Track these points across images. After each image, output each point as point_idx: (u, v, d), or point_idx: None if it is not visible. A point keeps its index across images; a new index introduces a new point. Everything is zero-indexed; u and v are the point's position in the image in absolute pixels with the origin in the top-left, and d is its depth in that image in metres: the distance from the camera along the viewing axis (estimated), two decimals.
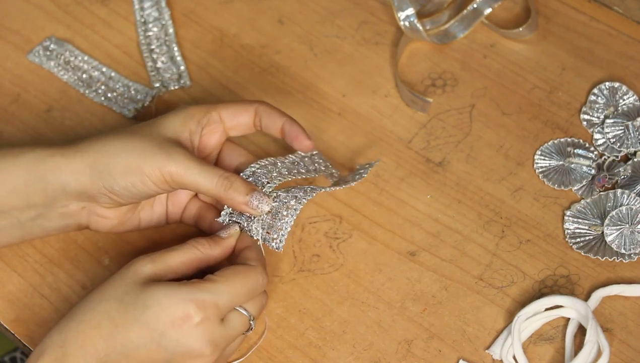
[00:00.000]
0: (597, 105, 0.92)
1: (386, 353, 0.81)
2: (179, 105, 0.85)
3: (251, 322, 0.76)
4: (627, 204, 0.85)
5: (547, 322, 0.81)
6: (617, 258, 0.84)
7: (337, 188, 0.83)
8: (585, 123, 0.92)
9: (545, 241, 0.86)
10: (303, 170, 0.83)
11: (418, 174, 0.90)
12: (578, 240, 0.85)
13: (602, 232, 0.85)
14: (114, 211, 0.82)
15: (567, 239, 0.86)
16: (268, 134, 0.83)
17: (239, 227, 0.80)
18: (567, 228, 0.86)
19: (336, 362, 0.81)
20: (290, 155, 0.83)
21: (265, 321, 0.82)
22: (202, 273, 0.76)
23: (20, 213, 0.80)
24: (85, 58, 0.99)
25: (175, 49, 0.99)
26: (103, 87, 0.97)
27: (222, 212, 0.80)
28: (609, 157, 0.89)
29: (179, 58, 0.98)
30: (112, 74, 0.98)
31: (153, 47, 0.99)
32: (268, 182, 0.80)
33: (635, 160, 0.89)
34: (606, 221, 0.85)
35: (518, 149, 0.91)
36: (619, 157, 0.90)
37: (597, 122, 0.92)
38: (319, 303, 0.84)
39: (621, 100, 0.92)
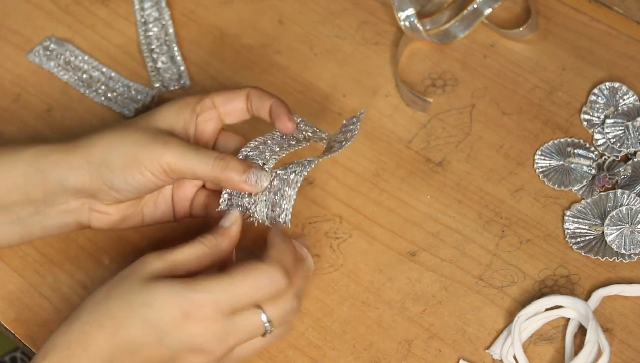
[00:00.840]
0: (597, 105, 0.92)
1: (386, 353, 0.81)
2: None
3: (266, 325, 0.74)
4: (628, 204, 0.85)
5: (547, 322, 0.81)
6: (617, 259, 0.84)
7: (334, 153, 0.81)
8: (585, 123, 0.92)
9: (546, 241, 0.86)
10: (293, 142, 0.82)
11: (418, 174, 0.90)
12: (578, 240, 0.85)
13: (602, 232, 0.85)
14: (115, 207, 0.81)
15: (567, 239, 0.86)
16: (259, 117, 0.82)
17: (240, 211, 0.79)
18: (567, 228, 0.86)
19: (336, 362, 0.81)
20: (276, 130, 0.83)
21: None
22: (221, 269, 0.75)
23: (21, 209, 0.80)
24: (86, 58, 0.99)
25: (176, 49, 0.99)
26: (103, 87, 0.97)
27: (220, 199, 0.79)
28: (609, 157, 0.89)
29: (179, 58, 0.98)
30: (112, 74, 0.98)
31: (153, 47, 0.99)
32: (264, 164, 0.79)
33: (635, 160, 0.89)
34: (606, 221, 0.85)
35: (518, 148, 0.91)
36: (619, 157, 0.90)
37: (598, 122, 0.92)
38: (319, 303, 0.84)
39: (621, 100, 0.92)
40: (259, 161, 0.80)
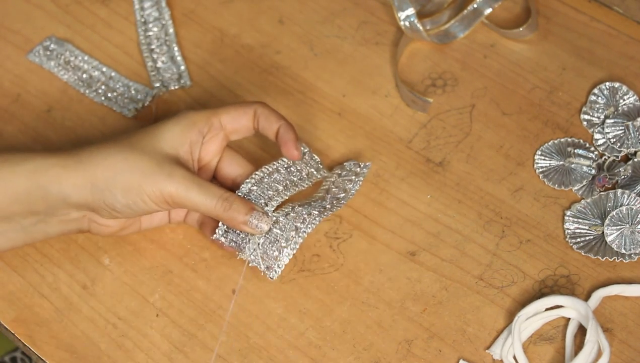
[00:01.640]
0: (597, 105, 0.92)
1: (386, 353, 0.81)
2: (180, 110, 0.85)
3: None
4: (628, 204, 0.85)
5: (548, 322, 0.81)
6: (618, 258, 0.84)
7: (338, 208, 0.83)
8: (585, 123, 0.92)
9: (546, 241, 0.86)
10: (296, 178, 0.83)
11: (418, 174, 0.90)
12: (578, 240, 0.85)
13: (603, 232, 0.85)
14: (115, 220, 0.82)
15: (567, 239, 0.86)
16: (264, 136, 0.83)
17: (233, 247, 0.81)
18: (568, 228, 0.86)
19: (336, 362, 0.81)
20: (283, 159, 0.83)
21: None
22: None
23: (23, 219, 0.81)
24: (86, 58, 0.99)
25: (176, 49, 0.99)
26: (103, 87, 0.97)
27: (217, 229, 0.81)
28: (609, 157, 0.89)
29: (179, 58, 0.98)
30: (113, 74, 0.98)
31: (153, 47, 0.99)
32: (266, 205, 0.80)
33: (635, 160, 0.89)
34: (606, 221, 0.85)
35: (518, 148, 0.91)
36: (619, 157, 0.90)
37: (598, 122, 0.92)
38: (319, 303, 0.84)
39: (621, 100, 0.92)
40: (262, 201, 0.80)
